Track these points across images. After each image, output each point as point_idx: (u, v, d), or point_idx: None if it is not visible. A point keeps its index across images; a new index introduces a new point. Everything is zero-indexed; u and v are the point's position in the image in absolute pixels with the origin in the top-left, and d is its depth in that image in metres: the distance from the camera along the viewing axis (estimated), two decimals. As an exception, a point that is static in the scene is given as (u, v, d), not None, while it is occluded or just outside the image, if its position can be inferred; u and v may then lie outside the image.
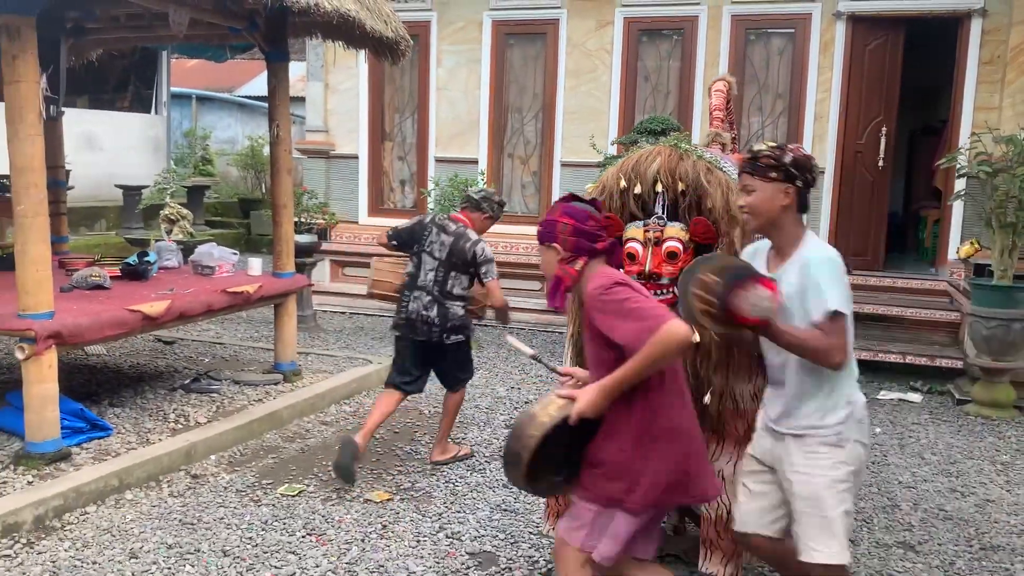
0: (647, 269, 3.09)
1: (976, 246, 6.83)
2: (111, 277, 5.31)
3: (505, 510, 4.24)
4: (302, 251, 8.26)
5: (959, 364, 6.84)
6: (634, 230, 3.18)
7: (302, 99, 10.22)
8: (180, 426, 5.00)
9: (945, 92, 8.44)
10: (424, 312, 4.53)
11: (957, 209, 7.68)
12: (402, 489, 4.47)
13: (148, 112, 14.92)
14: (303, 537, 3.86)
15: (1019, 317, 6.02)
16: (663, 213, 3.19)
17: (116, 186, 12.47)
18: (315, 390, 5.73)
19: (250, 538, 3.82)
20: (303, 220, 8.21)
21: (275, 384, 5.81)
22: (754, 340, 2.76)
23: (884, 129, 8.14)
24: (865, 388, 6.67)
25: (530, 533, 3.99)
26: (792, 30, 8.17)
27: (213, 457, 4.77)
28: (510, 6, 8.93)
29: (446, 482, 4.59)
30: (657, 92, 8.65)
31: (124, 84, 15.24)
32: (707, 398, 3.11)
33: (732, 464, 3.16)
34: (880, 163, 8.17)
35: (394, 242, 4.77)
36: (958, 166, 6.22)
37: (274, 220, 5.81)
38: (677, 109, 8.56)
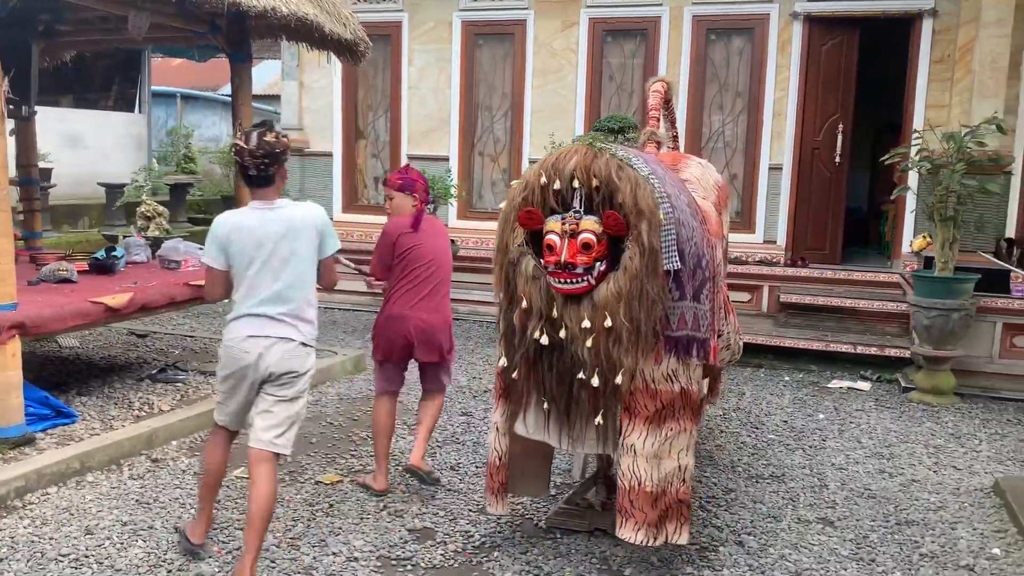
0: (563, 259, 3.31)
1: (928, 239, 7.09)
2: (79, 271, 5.51)
3: (450, 490, 4.46)
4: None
5: (907, 353, 7.07)
6: (553, 223, 3.40)
7: (279, 97, 10.42)
8: (144, 413, 5.21)
9: (909, 90, 8.69)
10: None
11: (911, 204, 7.92)
12: (353, 471, 4.69)
13: (132, 111, 15.12)
14: (253, 515, 4.07)
15: (957, 307, 6.26)
16: (579, 207, 3.41)
17: (99, 184, 12.67)
18: (278, 380, 5.93)
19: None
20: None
21: (240, 374, 6.00)
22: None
23: (841, 126, 8.37)
24: (817, 377, 7.04)
25: (470, 511, 4.21)
26: (751, 30, 8.40)
27: (174, 443, 4.98)
28: (479, 7, 9.14)
29: (395, 466, 4.80)
30: (622, 91, 8.87)
31: (108, 84, 15.44)
32: (618, 378, 3.33)
33: (643, 440, 3.38)
34: (837, 160, 8.41)
35: None
36: (901, 162, 6.45)
37: (238, 216, 6.00)
38: (641, 108, 8.76)
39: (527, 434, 3.70)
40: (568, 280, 3.33)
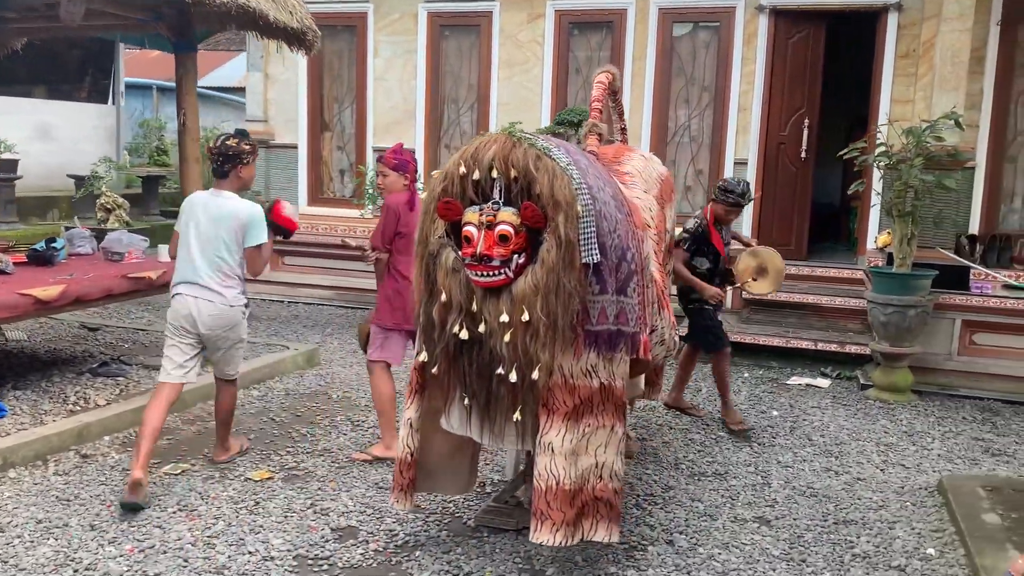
0: (478, 251, 3.21)
1: (891, 235, 7.01)
2: (17, 263, 5.40)
3: (381, 487, 4.37)
4: (234, 240, 8.38)
5: (868, 350, 7.01)
6: (471, 214, 3.30)
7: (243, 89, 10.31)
8: (79, 408, 5.11)
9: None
10: None
11: (875, 199, 7.85)
12: (286, 468, 4.60)
13: (105, 102, 14.96)
14: (174, 513, 3.98)
15: (914, 304, 6.19)
16: (499, 198, 3.32)
17: (68, 176, 12.54)
18: (223, 374, 5.84)
19: (122, 514, 3.93)
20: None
21: (185, 368, 5.90)
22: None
23: (807, 121, 8.30)
24: (776, 374, 6.98)
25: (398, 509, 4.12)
26: (717, 23, 8.31)
27: (107, 438, 4.88)
28: (445, -2, 9.05)
29: (332, 462, 4.71)
30: (588, 84, 8.74)
31: (82, 74, 15.28)
32: (535, 374, 3.24)
33: (561, 437, 3.29)
34: (803, 154, 8.34)
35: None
36: (859, 157, 6.37)
37: (183, 207, 5.90)
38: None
39: (451, 429, 3.61)
40: (485, 273, 3.24)
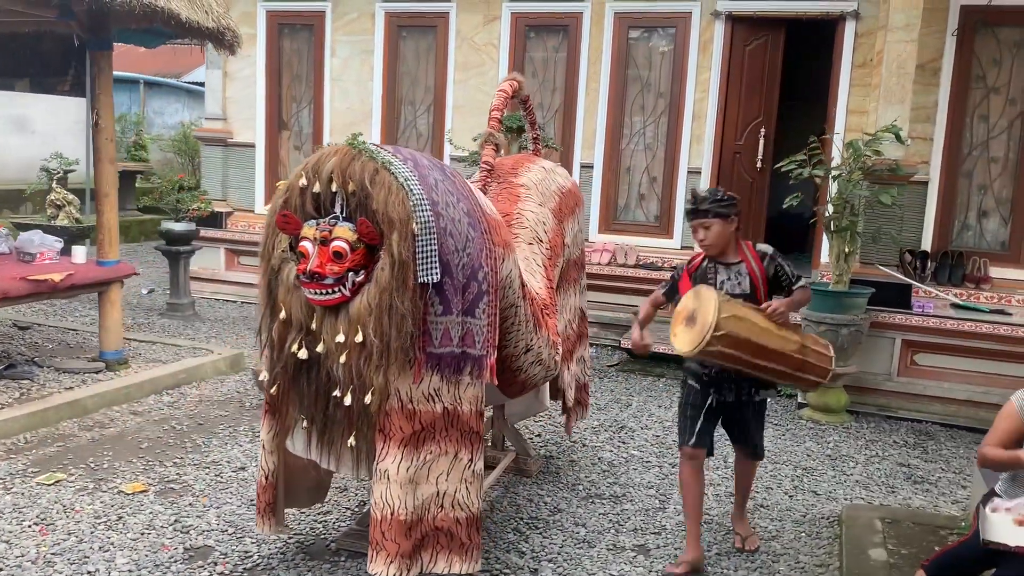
0: (309, 268, 3.08)
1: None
2: (-79, 262, 5.31)
3: (254, 505, 4.24)
4: (179, 239, 8.31)
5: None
6: (307, 229, 3.17)
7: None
8: (-30, 412, 5.02)
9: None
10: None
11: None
12: (165, 481, 4.48)
13: (86, 96, 14.92)
14: (29, 526, 3.87)
15: (847, 323, 6.01)
16: (340, 212, 3.18)
17: (42, 170, 12.50)
18: (132, 380, 5.74)
19: (-26, 526, 3.84)
20: (178, 207, 8.24)
21: (96, 372, 5.82)
22: None
23: (763, 131, 8.11)
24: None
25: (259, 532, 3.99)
26: (673, 29, 8.14)
27: (-9, 443, 4.79)
28: (402, -2, 8.92)
29: (215, 476, 4.60)
30: (544, 88, 8.62)
31: (65, 68, 15.28)
32: (368, 398, 3.10)
33: (397, 464, 3.15)
34: (759, 165, 8.15)
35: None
36: (795, 171, 6.19)
37: (97, 209, 5.81)
38: (563, 105, 8.54)
39: (296, 452, 3.49)
40: (318, 291, 3.11)
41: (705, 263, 3.85)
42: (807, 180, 6.22)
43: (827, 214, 6.21)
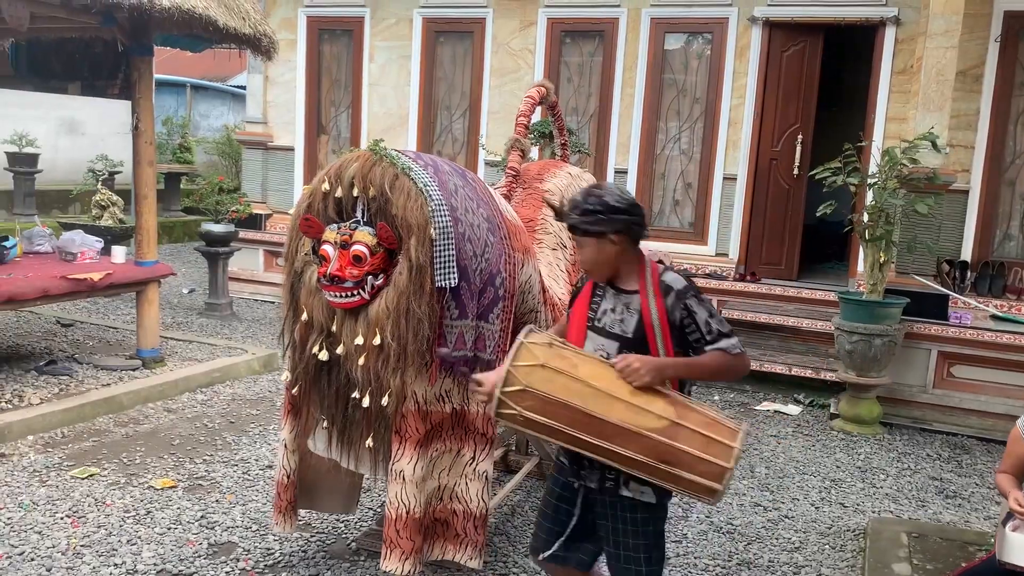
0: (329, 271, 3.13)
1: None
2: (-32, 260, 5.50)
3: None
4: (218, 240, 8.47)
5: (842, 378, 6.74)
6: (329, 233, 3.22)
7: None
8: (10, 406, 5.16)
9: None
10: None
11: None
12: (194, 477, 4.58)
13: (136, 99, 15.28)
14: (62, 518, 3.99)
15: (880, 333, 5.92)
16: (361, 217, 3.23)
17: (88, 171, 12.83)
18: (167, 377, 5.88)
19: (9, 517, 3.95)
20: (218, 209, 8.41)
21: (133, 370, 5.96)
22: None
23: (801, 137, 8.02)
24: (748, 398, 6.75)
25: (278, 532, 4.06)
26: (709, 34, 8.09)
27: (31, 437, 4.92)
28: (439, 3, 8.98)
29: (243, 473, 4.68)
30: (579, 93, 8.63)
31: (115, 71, 15.67)
32: (385, 399, 3.15)
33: (412, 465, 3.19)
34: (796, 171, 8.06)
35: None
36: (829, 179, 6.11)
37: (136, 210, 5.96)
38: (598, 110, 8.54)
39: (318, 452, 3.54)
40: (338, 294, 3.16)
41: (596, 283, 2.81)
42: (845, 188, 6.13)
43: (862, 222, 6.12)
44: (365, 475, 3.59)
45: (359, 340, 3.16)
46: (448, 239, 3.13)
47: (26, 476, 4.43)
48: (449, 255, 3.13)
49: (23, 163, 11.32)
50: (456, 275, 3.15)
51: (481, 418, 3.33)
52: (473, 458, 3.32)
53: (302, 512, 3.91)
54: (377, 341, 3.13)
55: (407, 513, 3.21)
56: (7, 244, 5.67)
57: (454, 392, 3.25)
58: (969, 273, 6.96)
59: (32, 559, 3.61)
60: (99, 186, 9.11)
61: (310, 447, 3.56)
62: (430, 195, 3.14)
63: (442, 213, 3.13)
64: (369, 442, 3.26)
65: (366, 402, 3.19)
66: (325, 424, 3.39)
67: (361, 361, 3.16)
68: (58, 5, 5.13)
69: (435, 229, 3.10)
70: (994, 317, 6.52)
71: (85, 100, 14.50)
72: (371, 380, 3.17)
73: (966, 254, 7.17)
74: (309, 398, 3.40)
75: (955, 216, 7.13)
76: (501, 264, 3.36)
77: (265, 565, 3.69)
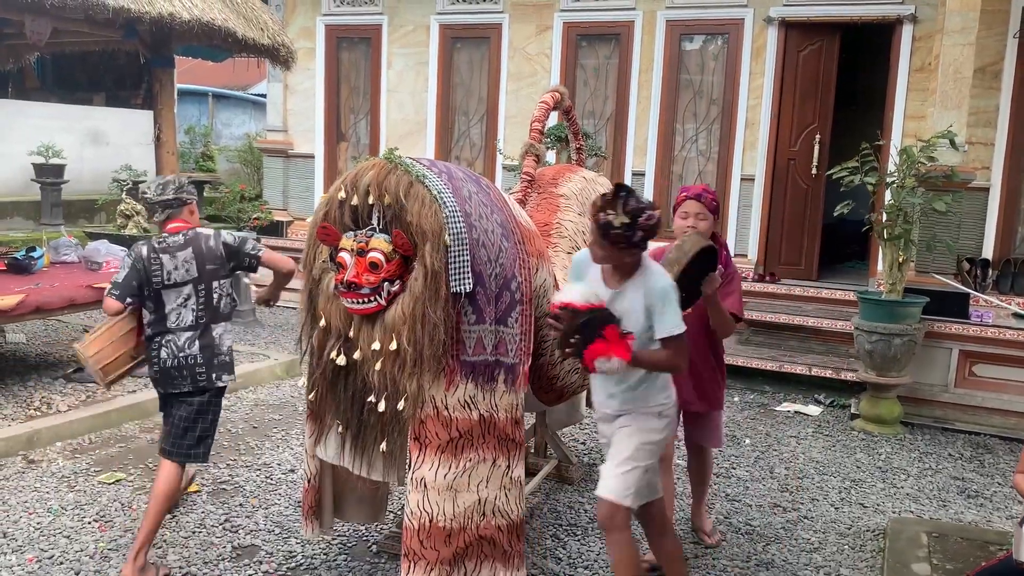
0: (346, 278, 3.19)
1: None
2: (-1, 271, 5.62)
3: (300, 506, 4.37)
4: (240, 248, 8.56)
5: (863, 378, 6.72)
6: (345, 240, 3.28)
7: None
8: (39, 413, 5.27)
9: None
10: (183, 354, 3.71)
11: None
12: (217, 482, 4.65)
13: (160, 109, 15.51)
14: (89, 523, 4.07)
15: (900, 332, 5.90)
16: (377, 224, 3.29)
17: (113, 180, 13.03)
18: (191, 383, 5.96)
19: (39, 522, 4.04)
20: (240, 217, 8.52)
21: (158, 376, 6.05)
22: None
23: (819, 136, 8.01)
24: (768, 399, 6.74)
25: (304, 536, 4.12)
26: (726, 35, 8.09)
27: (59, 444, 5.03)
28: (455, 10, 9.05)
29: (265, 477, 4.75)
30: (596, 96, 8.66)
31: (138, 83, 15.89)
32: (401, 404, 3.19)
33: (434, 472, 3.23)
34: (814, 171, 8.04)
35: (128, 300, 3.72)
36: (847, 178, 6.10)
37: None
38: (615, 113, 8.56)
39: (326, 458, 3.58)
40: (355, 300, 3.21)
41: None
42: (864, 187, 6.12)
43: (880, 222, 6.10)
44: (392, 484, 3.62)
45: (376, 345, 3.21)
46: (462, 245, 3.17)
47: (55, 481, 4.53)
48: (464, 261, 3.18)
49: (50, 174, 11.53)
50: (471, 280, 3.19)
51: (511, 424, 3.35)
52: (509, 466, 3.34)
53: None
54: (393, 346, 3.17)
55: (431, 521, 3.23)
56: (35, 255, 5.80)
57: (479, 398, 3.28)
58: (990, 271, 6.92)
59: (61, 563, 3.69)
60: (123, 196, 9.25)
61: (319, 454, 3.60)
62: (444, 202, 3.19)
63: (456, 219, 3.18)
64: (383, 446, 3.30)
65: (382, 406, 3.24)
66: (340, 429, 3.44)
67: (378, 366, 3.21)
68: (81, 19, 5.24)
69: (449, 235, 3.14)
70: (1016, 315, 6.47)
71: (109, 111, 14.72)
72: (387, 384, 3.21)
73: (987, 252, 7.12)
74: (327, 403, 3.46)
75: (975, 214, 7.09)
76: (516, 269, 3.40)
77: (288, 568, 3.76)
